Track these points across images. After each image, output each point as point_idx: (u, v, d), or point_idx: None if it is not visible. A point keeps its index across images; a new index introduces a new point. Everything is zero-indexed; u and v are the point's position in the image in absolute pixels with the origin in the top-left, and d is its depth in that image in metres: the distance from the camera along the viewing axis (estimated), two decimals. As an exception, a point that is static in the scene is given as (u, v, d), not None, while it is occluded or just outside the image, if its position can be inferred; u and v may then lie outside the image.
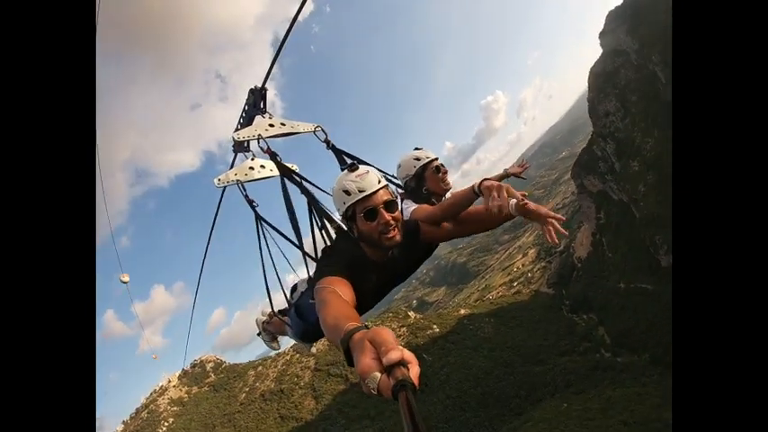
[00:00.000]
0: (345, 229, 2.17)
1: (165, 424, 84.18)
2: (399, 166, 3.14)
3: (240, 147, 3.40)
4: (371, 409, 67.52)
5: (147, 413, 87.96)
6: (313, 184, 2.81)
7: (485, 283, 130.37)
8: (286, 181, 2.74)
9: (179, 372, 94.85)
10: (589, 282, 77.02)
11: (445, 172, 3.08)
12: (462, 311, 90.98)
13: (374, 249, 2.10)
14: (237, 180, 3.28)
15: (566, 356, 66.78)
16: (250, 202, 3.29)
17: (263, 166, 3.42)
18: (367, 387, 0.91)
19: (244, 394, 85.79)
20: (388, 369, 0.88)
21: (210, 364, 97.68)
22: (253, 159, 3.46)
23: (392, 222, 2.00)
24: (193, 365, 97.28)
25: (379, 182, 2.04)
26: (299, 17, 2.74)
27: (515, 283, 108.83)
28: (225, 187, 3.35)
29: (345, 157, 3.03)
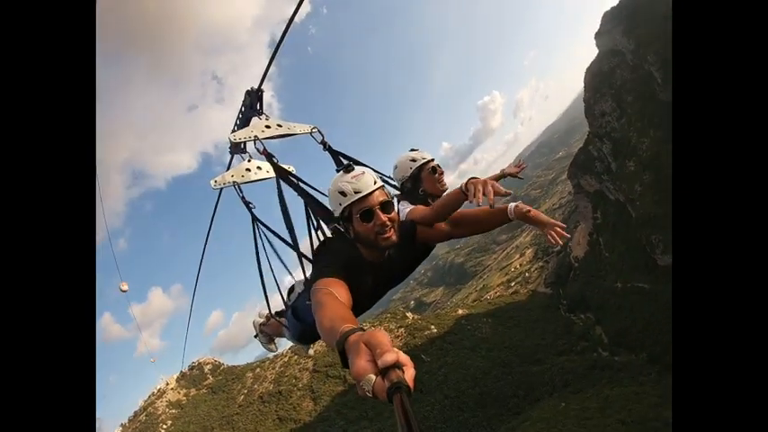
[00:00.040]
0: (342, 230, 2.17)
1: (164, 426, 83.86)
2: (395, 168, 3.14)
3: (237, 148, 3.40)
4: (370, 411, 67.49)
5: (146, 416, 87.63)
6: (310, 186, 2.80)
7: (482, 284, 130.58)
8: (282, 182, 2.73)
9: (177, 374, 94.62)
10: (586, 281, 77.26)
11: (441, 173, 3.08)
12: (460, 312, 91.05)
13: (371, 250, 2.10)
14: (234, 182, 3.28)
15: (563, 356, 66.93)
16: (247, 204, 3.28)
17: (259, 168, 3.42)
18: (362, 389, 0.91)
19: (242, 396, 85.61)
20: (383, 371, 0.88)
21: (208, 367, 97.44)
22: (249, 161, 3.45)
23: (388, 223, 1.99)
24: (191, 368, 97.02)
25: (375, 183, 2.04)
26: (296, 18, 2.73)
27: (513, 283, 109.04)
28: (221, 189, 3.35)
29: (342, 159, 3.03)
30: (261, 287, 3.16)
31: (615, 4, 77.94)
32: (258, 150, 2.97)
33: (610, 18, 76.78)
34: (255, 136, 3.01)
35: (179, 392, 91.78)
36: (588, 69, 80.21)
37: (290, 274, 2.95)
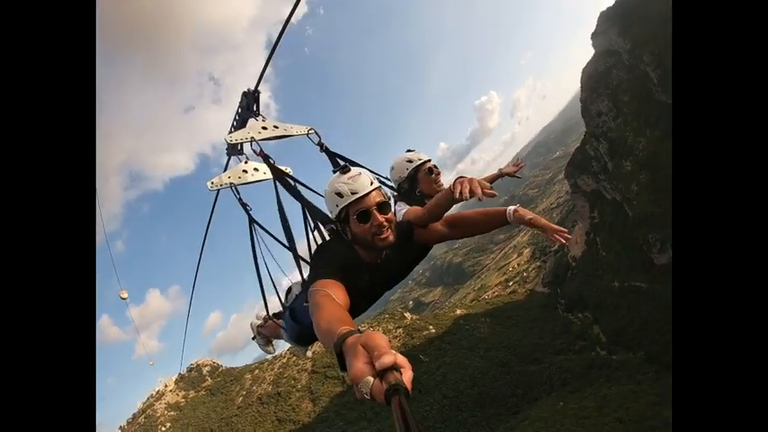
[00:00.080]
0: (339, 231, 2.16)
1: (163, 429, 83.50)
2: (392, 169, 3.13)
3: (233, 150, 3.39)
4: (369, 411, 67.38)
5: (144, 418, 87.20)
6: (307, 187, 2.79)
7: (480, 283, 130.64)
8: (279, 184, 2.72)
9: (176, 376, 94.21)
10: (584, 281, 77.37)
11: (438, 173, 3.07)
12: (458, 312, 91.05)
13: (368, 251, 2.09)
14: (231, 183, 3.26)
15: (561, 355, 67.00)
16: (244, 206, 3.27)
17: (256, 169, 3.41)
18: (360, 392, 0.90)
19: (241, 398, 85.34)
20: (381, 373, 0.87)
21: (207, 368, 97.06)
22: (246, 162, 3.44)
23: (385, 224, 1.99)
24: (190, 369, 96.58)
25: (372, 183, 2.04)
26: (293, 19, 2.72)
27: (511, 283, 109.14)
28: (218, 190, 3.33)
29: (339, 160, 3.02)
30: (259, 289, 3.15)
31: (611, 5, 78.21)
32: (255, 152, 2.96)
33: (606, 18, 76.99)
34: (252, 137, 3.00)
35: (178, 394, 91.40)
36: (584, 69, 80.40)
37: (286, 275, 2.94)
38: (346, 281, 1.86)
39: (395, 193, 3.13)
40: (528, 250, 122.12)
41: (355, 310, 2.06)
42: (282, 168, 2.94)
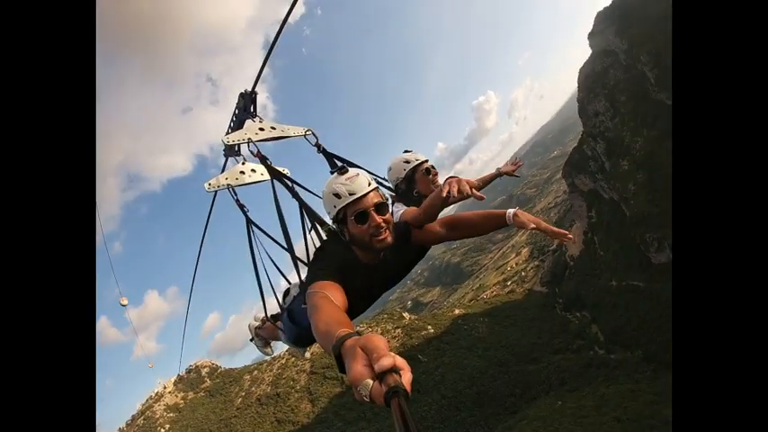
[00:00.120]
0: (336, 232, 2.16)
1: (162, 430, 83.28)
2: (390, 169, 3.13)
3: (231, 151, 3.38)
4: (368, 412, 67.31)
5: (144, 420, 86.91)
6: (304, 188, 2.79)
7: (479, 283, 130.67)
8: (277, 185, 2.72)
9: (174, 377, 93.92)
10: (582, 280, 77.49)
11: (435, 174, 3.06)
12: (457, 311, 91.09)
13: (366, 252, 2.09)
14: (228, 184, 3.26)
15: (559, 354, 67.07)
16: (241, 207, 3.26)
17: (253, 170, 3.40)
18: (359, 394, 0.90)
19: (240, 399, 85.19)
20: (380, 376, 0.87)
21: (206, 370, 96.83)
22: (243, 163, 3.43)
23: (383, 225, 1.98)
24: (188, 371, 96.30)
25: (370, 184, 2.03)
26: (290, 19, 2.72)
27: (509, 283, 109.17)
28: (216, 192, 3.32)
29: (336, 161, 3.01)
30: (258, 290, 3.14)
31: (608, 5, 78.41)
32: (252, 153, 2.95)
33: (603, 18, 77.23)
34: (249, 138, 2.99)
35: (177, 396, 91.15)
36: (581, 69, 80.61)
37: (284, 276, 2.93)
38: (344, 282, 1.85)
39: (392, 194, 3.12)
40: (526, 250, 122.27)
41: (354, 310, 2.06)
42: (280, 169, 2.93)
